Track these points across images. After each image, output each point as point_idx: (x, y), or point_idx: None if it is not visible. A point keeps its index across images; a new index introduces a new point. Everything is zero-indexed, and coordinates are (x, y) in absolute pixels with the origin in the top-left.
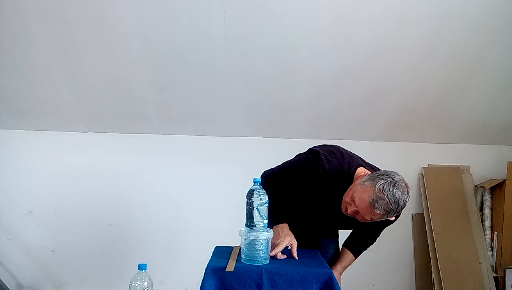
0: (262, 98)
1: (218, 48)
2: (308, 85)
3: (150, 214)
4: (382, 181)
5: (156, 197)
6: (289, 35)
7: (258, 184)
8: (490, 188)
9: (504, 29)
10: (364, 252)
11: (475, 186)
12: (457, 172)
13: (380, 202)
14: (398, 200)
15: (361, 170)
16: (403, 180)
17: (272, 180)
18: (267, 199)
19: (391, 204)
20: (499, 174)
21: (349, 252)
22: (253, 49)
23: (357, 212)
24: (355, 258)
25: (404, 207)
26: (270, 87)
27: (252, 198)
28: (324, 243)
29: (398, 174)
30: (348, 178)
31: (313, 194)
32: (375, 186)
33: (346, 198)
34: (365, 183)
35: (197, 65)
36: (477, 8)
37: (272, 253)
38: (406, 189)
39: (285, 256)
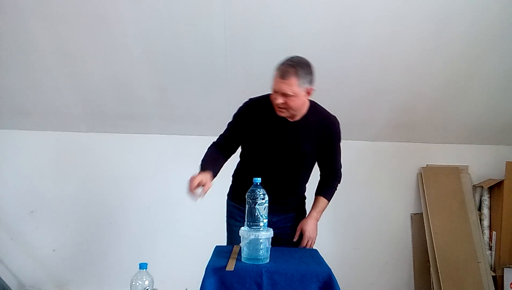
0: None
1: (218, 49)
2: None
3: (151, 213)
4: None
5: (156, 197)
6: (289, 35)
7: (258, 184)
8: (488, 187)
9: (503, 30)
10: (363, 250)
11: (473, 185)
12: (455, 172)
13: (278, 66)
14: (289, 58)
15: None
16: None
17: (220, 140)
18: (267, 198)
19: (285, 61)
20: (497, 174)
21: (321, 197)
22: (253, 49)
23: (277, 94)
24: (328, 201)
25: (302, 63)
26: (270, 87)
27: (252, 198)
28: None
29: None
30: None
31: (259, 133)
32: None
33: (271, 95)
34: None
35: (198, 65)
36: (477, 9)
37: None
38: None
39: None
